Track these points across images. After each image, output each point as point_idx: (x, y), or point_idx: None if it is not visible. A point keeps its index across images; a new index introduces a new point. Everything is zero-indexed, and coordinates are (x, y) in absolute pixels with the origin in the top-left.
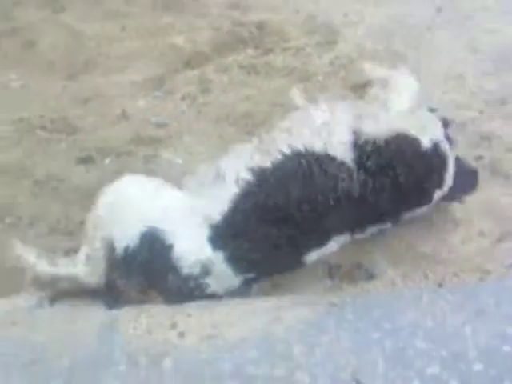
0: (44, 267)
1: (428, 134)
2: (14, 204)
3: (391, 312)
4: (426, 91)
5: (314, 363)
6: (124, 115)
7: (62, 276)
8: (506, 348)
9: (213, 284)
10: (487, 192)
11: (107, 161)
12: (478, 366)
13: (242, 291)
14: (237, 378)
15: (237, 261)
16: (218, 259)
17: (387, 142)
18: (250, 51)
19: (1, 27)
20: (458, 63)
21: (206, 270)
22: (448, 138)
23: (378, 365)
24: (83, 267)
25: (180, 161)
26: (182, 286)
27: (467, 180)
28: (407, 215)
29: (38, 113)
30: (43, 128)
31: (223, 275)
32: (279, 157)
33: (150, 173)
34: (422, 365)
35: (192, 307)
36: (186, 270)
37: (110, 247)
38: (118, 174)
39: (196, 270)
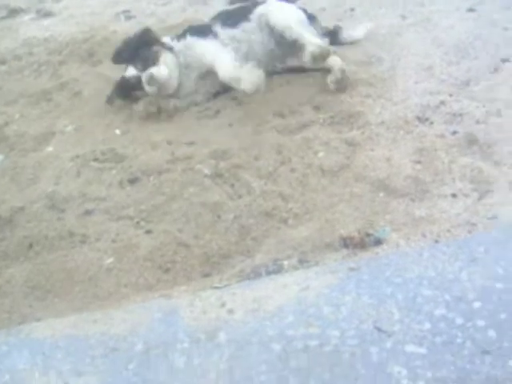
0: None
1: None
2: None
3: (399, 269)
4: (402, 83)
5: (342, 319)
6: None
7: None
8: (499, 285)
9: None
10: (465, 160)
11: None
12: (477, 304)
13: (274, 269)
14: (280, 340)
15: None
16: None
17: None
18: None
19: (52, 83)
20: (426, 58)
21: None
22: None
23: (394, 313)
24: None
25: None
26: None
27: None
28: None
29: (91, 148)
30: (96, 160)
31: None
32: None
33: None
34: (431, 309)
35: (235, 287)
36: None
37: None
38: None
39: None
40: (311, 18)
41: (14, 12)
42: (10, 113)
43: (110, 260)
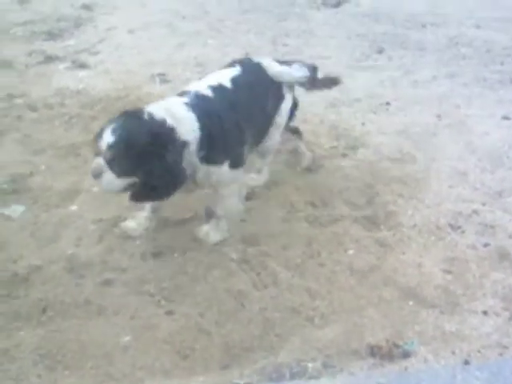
0: None
1: None
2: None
3: None
4: (436, 186)
5: None
6: None
7: None
8: None
9: None
10: (496, 275)
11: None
12: None
13: (298, 372)
14: None
15: None
16: None
17: None
18: None
19: (82, 138)
20: (460, 162)
21: None
22: None
23: None
24: None
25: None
26: None
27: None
28: None
29: (115, 213)
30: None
31: None
32: None
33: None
34: None
35: None
36: None
37: None
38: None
39: None
40: None
41: (49, 59)
42: (36, 163)
43: (128, 338)
